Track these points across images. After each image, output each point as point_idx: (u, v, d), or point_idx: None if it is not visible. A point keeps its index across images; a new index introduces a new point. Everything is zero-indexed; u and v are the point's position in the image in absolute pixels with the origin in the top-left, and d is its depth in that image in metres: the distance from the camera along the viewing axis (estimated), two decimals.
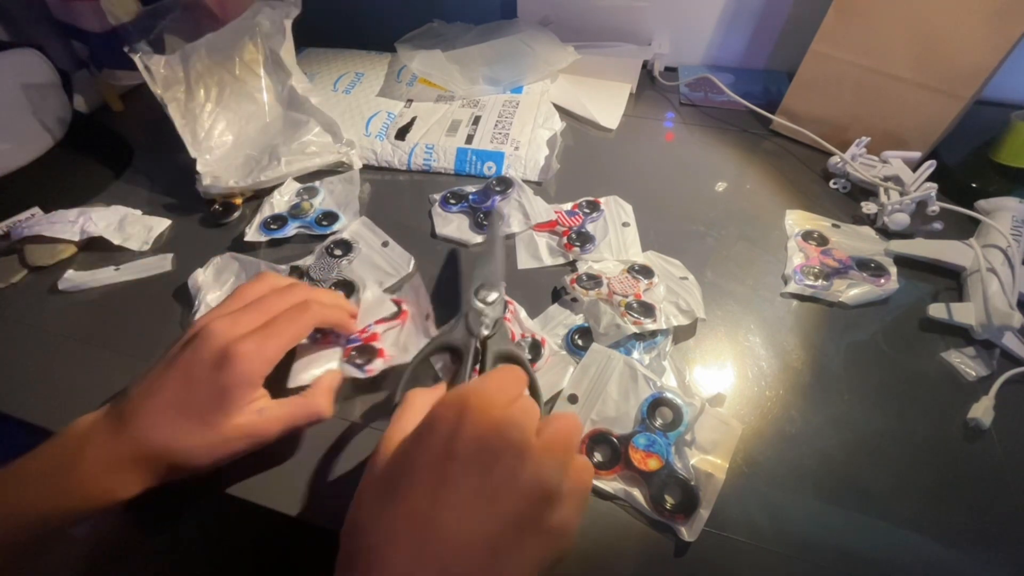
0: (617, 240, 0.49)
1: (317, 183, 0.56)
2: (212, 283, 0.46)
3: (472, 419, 0.24)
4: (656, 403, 0.37)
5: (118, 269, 0.49)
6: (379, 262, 0.48)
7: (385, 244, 0.49)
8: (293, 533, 0.36)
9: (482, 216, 0.51)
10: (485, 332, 0.36)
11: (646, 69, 0.71)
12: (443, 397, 0.27)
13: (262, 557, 0.58)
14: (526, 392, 0.29)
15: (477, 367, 0.36)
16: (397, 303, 0.41)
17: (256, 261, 0.47)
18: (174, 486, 0.32)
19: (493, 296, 0.38)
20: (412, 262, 0.47)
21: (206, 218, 0.54)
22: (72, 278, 0.47)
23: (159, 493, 0.32)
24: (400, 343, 0.39)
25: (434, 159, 0.58)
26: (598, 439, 0.36)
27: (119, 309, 0.46)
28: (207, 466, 0.31)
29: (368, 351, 0.38)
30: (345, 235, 0.50)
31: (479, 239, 0.50)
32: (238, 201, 0.54)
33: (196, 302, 0.45)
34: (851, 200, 0.53)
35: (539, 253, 0.49)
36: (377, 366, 0.37)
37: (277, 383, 0.34)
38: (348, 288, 0.45)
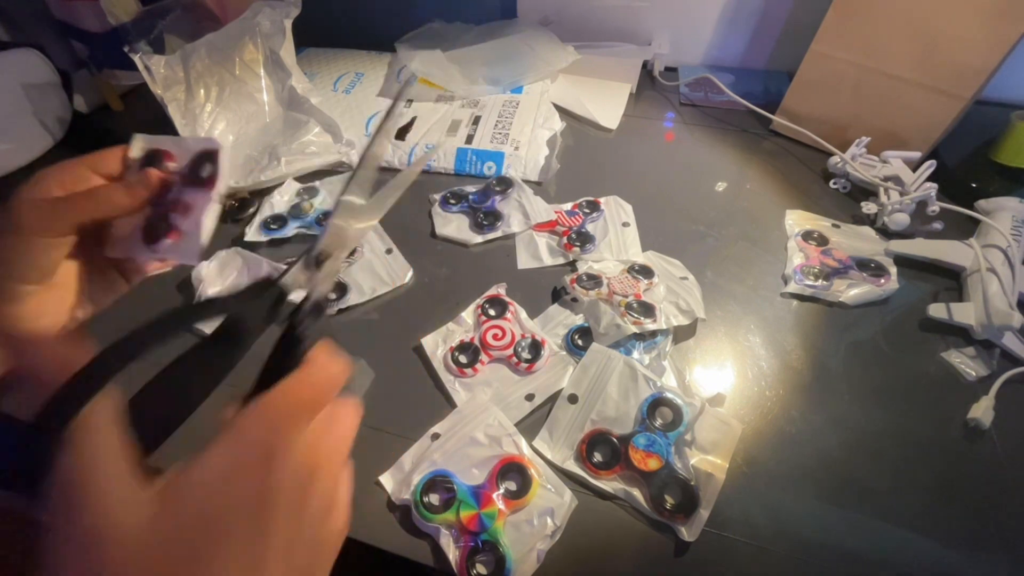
0: (617, 240, 0.49)
1: (317, 183, 0.56)
2: (215, 276, 0.46)
3: (285, 458, 0.19)
4: (656, 403, 0.37)
5: None
6: (378, 269, 0.48)
7: (389, 251, 0.49)
8: None
9: (482, 216, 0.51)
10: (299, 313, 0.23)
11: (646, 69, 0.71)
12: (245, 417, 0.19)
13: None
14: (339, 389, 0.22)
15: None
16: (158, 152, 0.31)
17: (259, 258, 0.47)
18: None
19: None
20: (410, 274, 0.47)
21: (222, 215, 0.54)
22: None
23: None
24: (192, 220, 0.30)
25: (434, 159, 0.58)
26: (598, 439, 0.36)
27: (119, 308, 0.46)
28: None
29: (161, 223, 0.29)
30: None
31: (479, 239, 0.50)
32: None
33: (197, 295, 0.45)
34: (851, 200, 0.53)
35: (539, 253, 0.49)
36: (163, 248, 0.29)
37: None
38: (341, 290, 0.45)
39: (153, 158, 0.32)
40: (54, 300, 0.30)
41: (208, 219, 0.31)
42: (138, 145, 0.32)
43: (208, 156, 0.31)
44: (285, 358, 0.22)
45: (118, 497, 0.18)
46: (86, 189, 0.28)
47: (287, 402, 0.20)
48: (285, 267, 0.47)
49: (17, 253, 0.27)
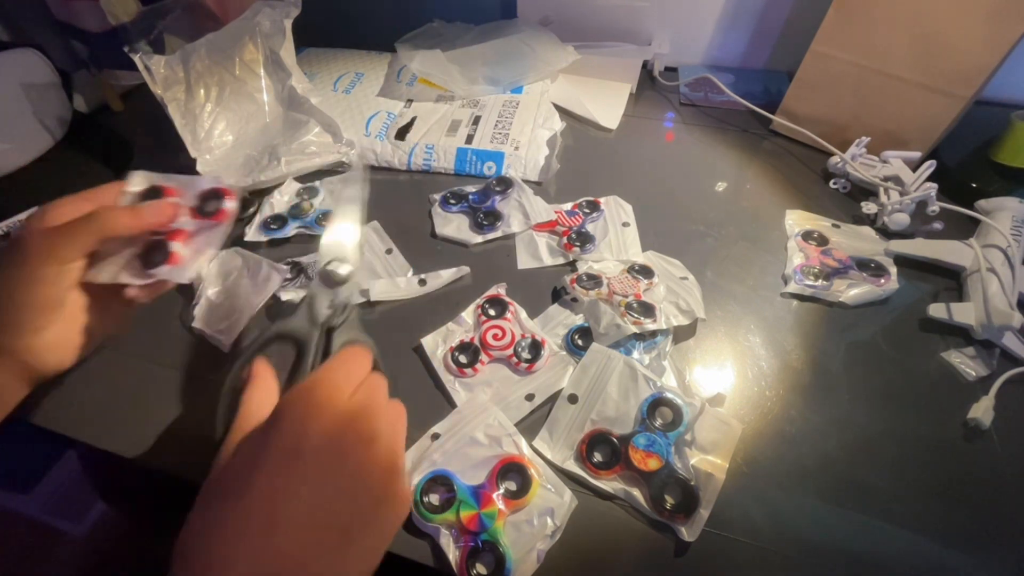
0: (617, 240, 0.49)
1: (317, 183, 0.56)
2: (215, 277, 0.46)
3: (319, 415, 0.24)
4: (656, 403, 0.37)
5: None
6: (378, 269, 0.48)
7: (389, 251, 0.49)
8: None
9: (482, 216, 0.51)
10: (331, 320, 0.31)
11: (646, 69, 0.71)
12: (289, 394, 0.25)
13: None
14: (369, 370, 0.28)
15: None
16: (160, 189, 0.34)
17: (259, 258, 0.47)
18: (173, 487, 0.32)
19: (345, 270, 0.32)
20: (410, 273, 0.47)
21: None
22: None
23: (158, 497, 0.32)
24: (192, 249, 0.33)
25: (434, 159, 0.58)
26: (598, 439, 0.36)
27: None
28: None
29: (159, 250, 0.32)
30: None
31: (479, 239, 0.50)
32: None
33: (197, 295, 0.45)
34: (851, 200, 0.53)
35: (539, 253, 0.49)
36: (161, 272, 0.31)
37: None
38: None
39: (154, 194, 0.33)
40: (68, 332, 0.31)
41: (210, 250, 0.33)
42: (137, 180, 0.34)
43: (216, 193, 0.34)
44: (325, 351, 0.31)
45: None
46: (90, 212, 0.30)
47: (313, 383, 0.25)
48: (286, 267, 0.47)
49: (29, 283, 0.29)
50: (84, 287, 0.31)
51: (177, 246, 0.32)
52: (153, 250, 0.32)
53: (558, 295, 0.45)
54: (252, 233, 0.50)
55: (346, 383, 0.26)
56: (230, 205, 0.34)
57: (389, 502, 0.25)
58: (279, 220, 0.51)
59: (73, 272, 0.30)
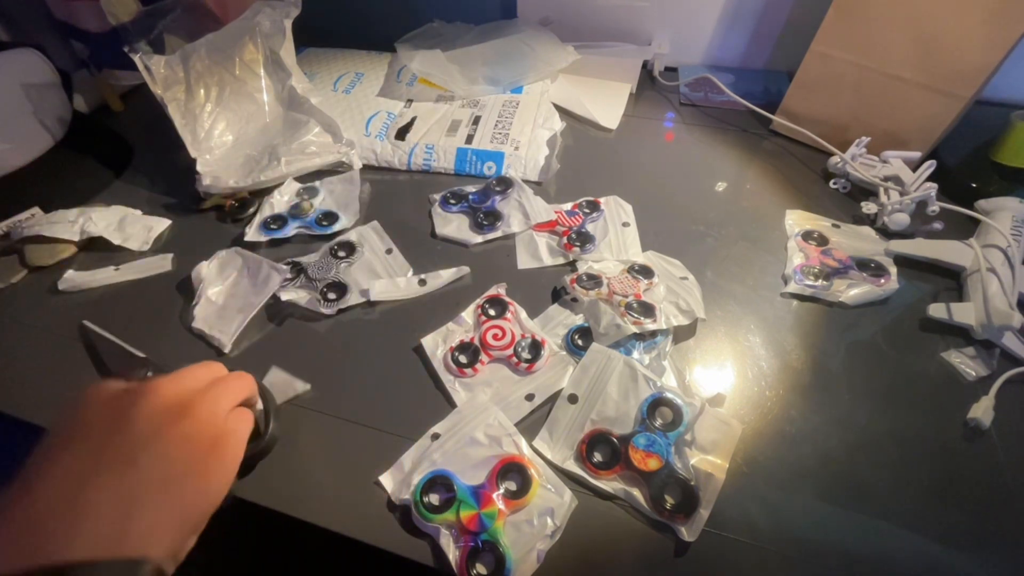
0: (617, 240, 0.49)
1: (317, 183, 0.56)
2: (215, 277, 0.46)
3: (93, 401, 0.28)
4: (656, 403, 0.37)
5: (118, 269, 0.49)
6: (378, 269, 0.48)
7: (389, 251, 0.49)
8: (291, 532, 0.36)
9: (482, 216, 0.51)
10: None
11: (646, 69, 0.71)
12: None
13: (260, 555, 0.58)
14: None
15: None
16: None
17: (259, 258, 0.47)
18: None
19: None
20: (410, 273, 0.47)
21: (221, 215, 0.54)
22: (72, 278, 0.47)
23: None
24: None
25: (434, 159, 0.58)
26: (598, 439, 0.36)
27: (119, 309, 0.46)
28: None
29: None
30: (352, 237, 0.50)
31: (479, 239, 0.50)
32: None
33: (197, 295, 0.45)
34: (851, 200, 0.53)
35: (539, 253, 0.49)
36: None
37: None
38: (340, 290, 0.45)
39: None
40: None
41: None
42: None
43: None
44: None
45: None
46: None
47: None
48: (286, 267, 0.47)
49: None
50: None
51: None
52: None
53: (558, 295, 0.45)
54: (252, 233, 0.50)
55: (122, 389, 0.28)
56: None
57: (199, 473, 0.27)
58: (279, 220, 0.51)
59: None
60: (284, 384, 0.39)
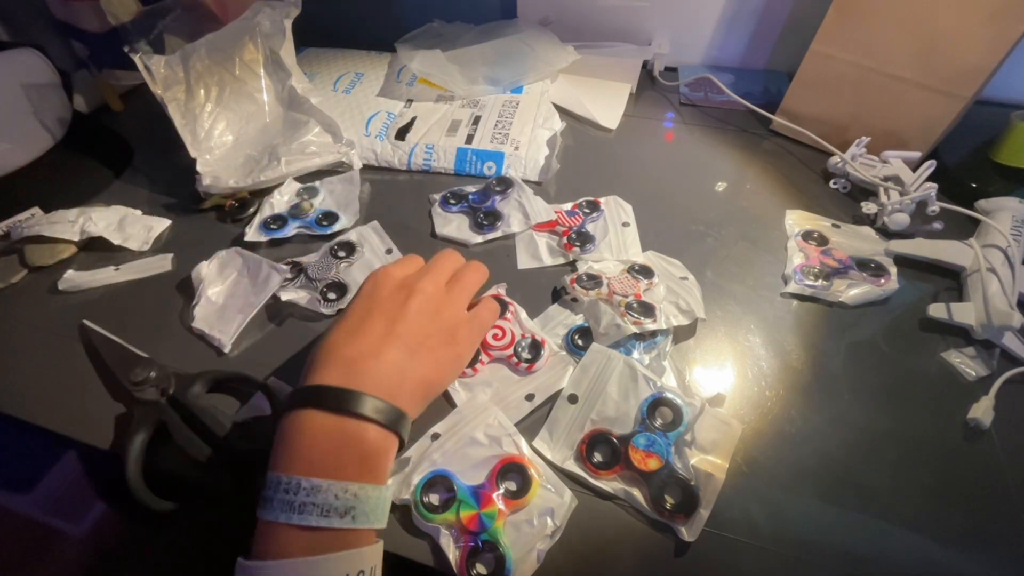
0: (617, 240, 0.49)
1: (317, 183, 0.56)
2: (215, 277, 0.46)
3: (384, 281, 0.36)
4: (656, 403, 0.37)
5: (118, 269, 0.49)
6: None
7: (389, 251, 0.49)
8: None
9: (482, 216, 0.51)
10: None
11: (646, 69, 0.71)
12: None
13: None
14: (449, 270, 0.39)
15: None
16: None
17: (259, 258, 0.47)
18: (174, 487, 0.32)
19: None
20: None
21: (221, 215, 0.54)
22: (72, 278, 0.47)
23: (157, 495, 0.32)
24: None
25: (434, 159, 0.58)
26: (598, 439, 0.36)
27: (119, 309, 0.46)
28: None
29: None
30: (352, 237, 0.50)
31: (479, 239, 0.50)
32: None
33: (197, 295, 0.45)
34: (851, 200, 0.53)
35: (539, 253, 0.49)
36: None
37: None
38: (340, 290, 0.45)
39: None
40: None
41: None
42: None
43: None
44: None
45: None
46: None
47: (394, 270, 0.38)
48: (286, 267, 0.47)
49: None
50: None
51: None
52: None
53: (558, 295, 0.45)
54: (252, 233, 0.50)
55: (401, 270, 0.37)
56: None
57: (439, 348, 0.35)
58: (279, 220, 0.51)
59: None
60: (282, 393, 0.39)
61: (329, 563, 0.26)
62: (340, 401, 0.29)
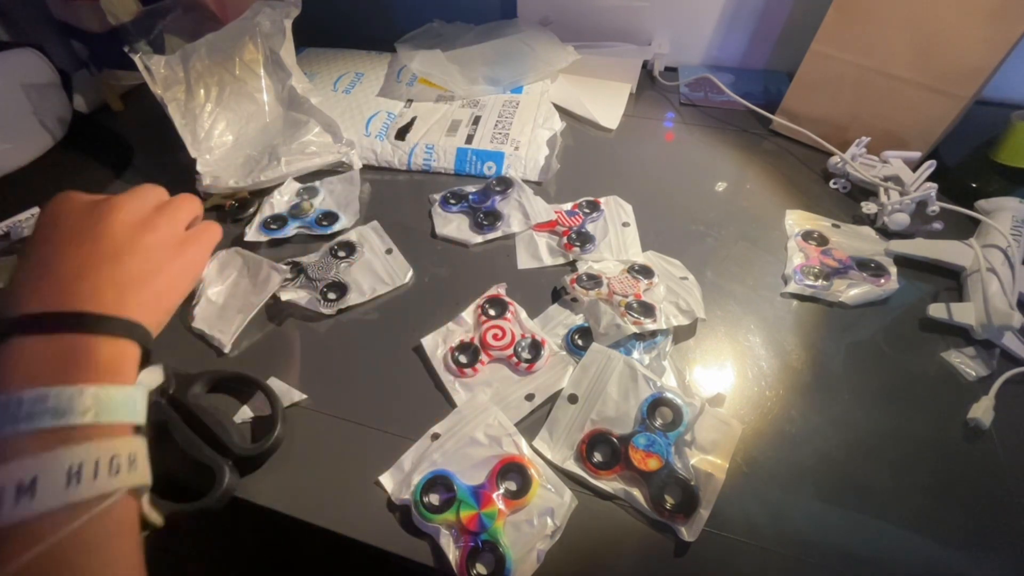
0: (617, 240, 0.49)
1: (317, 183, 0.56)
2: (215, 277, 0.46)
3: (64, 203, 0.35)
4: (656, 403, 0.37)
5: None
6: (378, 269, 0.48)
7: (389, 251, 0.49)
8: (290, 532, 0.36)
9: (482, 216, 0.51)
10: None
11: (646, 69, 0.71)
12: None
13: (260, 555, 0.58)
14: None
15: None
16: None
17: (259, 258, 0.47)
18: (174, 488, 0.32)
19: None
20: (410, 273, 0.47)
21: (221, 215, 0.54)
22: None
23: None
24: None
25: (434, 159, 0.58)
26: (598, 439, 0.36)
27: None
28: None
29: None
30: (352, 237, 0.50)
31: (479, 239, 0.50)
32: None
33: (196, 295, 0.45)
34: (851, 200, 0.53)
35: (539, 253, 0.49)
36: None
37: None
38: (340, 290, 0.45)
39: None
40: None
41: None
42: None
43: None
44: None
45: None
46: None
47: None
48: (286, 267, 0.47)
49: None
50: None
51: None
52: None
53: (558, 295, 0.45)
54: (252, 233, 0.50)
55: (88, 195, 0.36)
56: None
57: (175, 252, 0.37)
58: (279, 220, 0.51)
59: None
60: (282, 394, 0.39)
61: (73, 452, 0.25)
62: (56, 323, 0.29)
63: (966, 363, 0.40)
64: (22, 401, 0.25)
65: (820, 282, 0.45)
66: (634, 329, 0.39)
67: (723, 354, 0.42)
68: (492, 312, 0.43)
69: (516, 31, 0.68)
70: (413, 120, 0.62)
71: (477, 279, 0.46)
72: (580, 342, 0.41)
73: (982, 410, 0.37)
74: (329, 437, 0.37)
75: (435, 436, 0.37)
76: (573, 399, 0.38)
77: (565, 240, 0.49)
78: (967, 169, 0.53)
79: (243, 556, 0.58)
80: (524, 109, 0.62)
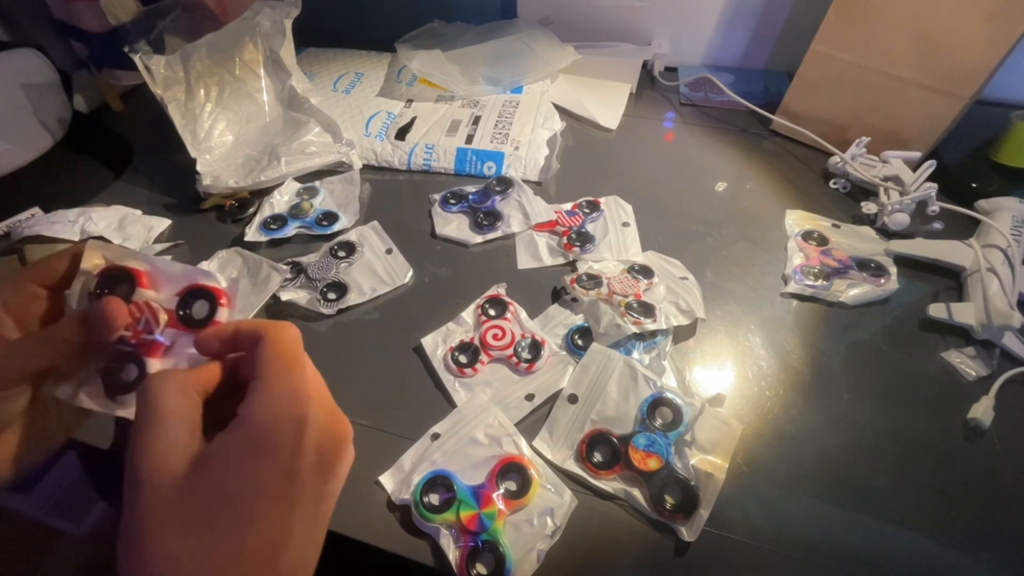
0: (617, 240, 0.49)
1: (317, 183, 0.56)
2: None
3: (313, 432, 0.21)
4: (656, 403, 0.37)
5: None
6: (378, 269, 0.48)
7: (389, 251, 0.49)
8: None
9: (482, 216, 0.51)
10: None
11: (646, 69, 0.71)
12: (272, 405, 0.21)
13: None
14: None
15: None
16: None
17: (259, 258, 0.47)
18: None
19: None
20: (410, 273, 0.47)
21: (221, 215, 0.54)
22: None
23: None
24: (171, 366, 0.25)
25: (434, 159, 0.58)
26: (598, 439, 0.36)
27: None
28: None
29: (127, 369, 0.24)
30: (352, 237, 0.50)
31: (479, 239, 0.50)
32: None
33: None
34: (851, 200, 0.53)
35: (539, 253, 0.49)
36: (127, 402, 0.25)
37: None
38: (340, 290, 0.45)
39: (120, 278, 0.25)
40: (9, 447, 0.25)
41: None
42: (94, 255, 0.25)
43: (204, 293, 0.25)
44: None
45: (168, 443, 0.21)
46: (38, 336, 0.24)
47: (301, 393, 0.22)
48: (286, 267, 0.47)
49: None
50: (35, 399, 0.25)
51: (154, 365, 0.24)
52: (119, 368, 0.24)
53: (558, 295, 0.45)
54: (252, 233, 0.50)
55: (324, 391, 0.24)
56: (223, 315, 0.25)
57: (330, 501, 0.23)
58: (279, 220, 0.51)
59: (21, 395, 0.24)
60: None
61: None
62: None
63: (966, 363, 0.40)
64: None
65: (820, 282, 0.45)
66: (634, 329, 0.39)
67: (723, 354, 0.41)
68: (492, 312, 0.43)
69: (516, 31, 0.68)
70: (413, 120, 0.62)
71: (477, 279, 0.46)
72: (580, 342, 0.41)
73: (982, 410, 0.37)
74: None
75: (435, 436, 0.37)
76: (573, 399, 0.38)
77: (565, 240, 0.49)
78: (967, 169, 0.53)
79: None
80: (524, 109, 0.62)
